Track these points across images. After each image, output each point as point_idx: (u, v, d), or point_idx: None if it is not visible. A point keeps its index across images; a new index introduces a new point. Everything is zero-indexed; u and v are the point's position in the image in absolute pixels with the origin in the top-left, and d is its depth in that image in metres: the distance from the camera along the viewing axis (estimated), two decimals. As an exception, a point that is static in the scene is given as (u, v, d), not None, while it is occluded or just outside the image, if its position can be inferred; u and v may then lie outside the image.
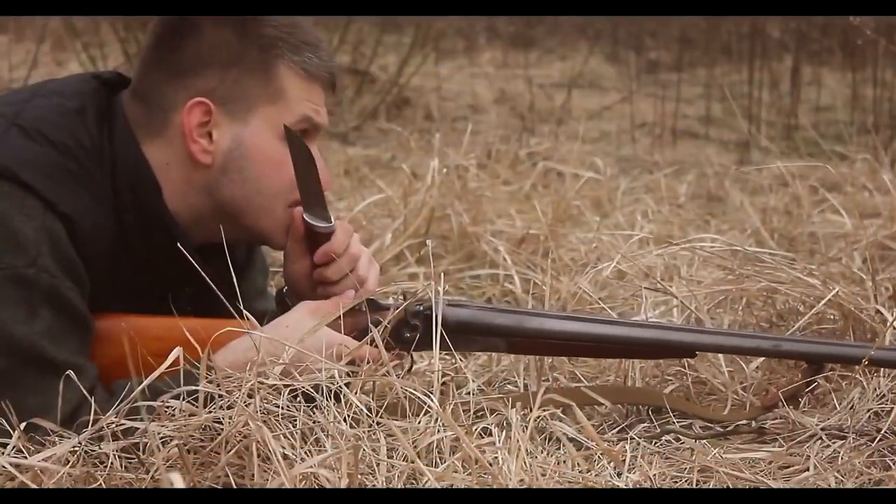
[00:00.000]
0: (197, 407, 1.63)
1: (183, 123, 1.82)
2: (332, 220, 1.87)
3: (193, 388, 1.64)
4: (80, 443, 1.62)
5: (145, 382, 1.60)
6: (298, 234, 1.87)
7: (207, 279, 1.74)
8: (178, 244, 1.78)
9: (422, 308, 1.87)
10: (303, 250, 1.89)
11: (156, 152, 1.83)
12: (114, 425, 1.62)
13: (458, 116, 5.35)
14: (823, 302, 2.22)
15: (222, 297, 1.75)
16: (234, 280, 1.76)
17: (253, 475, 1.57)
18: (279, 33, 1.84)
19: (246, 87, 1.83)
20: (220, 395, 1.65)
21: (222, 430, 1.61)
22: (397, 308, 1.87)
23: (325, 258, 1.87)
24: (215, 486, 1.60)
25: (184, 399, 1.64)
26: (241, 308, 1.75)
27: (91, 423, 1.63)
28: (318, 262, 1.88)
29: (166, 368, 1.62)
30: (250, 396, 1.64)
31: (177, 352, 1.64)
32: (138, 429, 1.61)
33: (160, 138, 1.83)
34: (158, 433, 1.59)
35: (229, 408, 1.63)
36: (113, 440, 1.62)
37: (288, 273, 1.91)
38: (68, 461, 1.60)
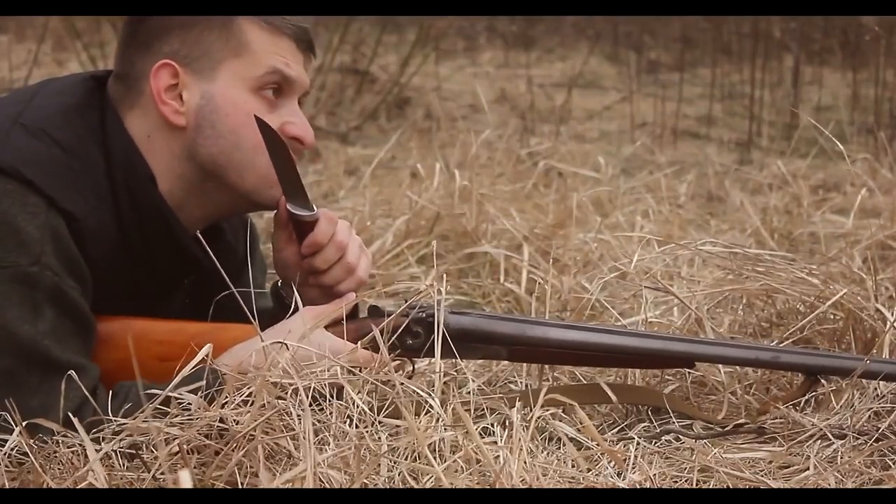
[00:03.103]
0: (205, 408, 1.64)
1: (151, 88, 1.82)
2: (315, 208, 1.87)
3: (199, 385, 1.65)
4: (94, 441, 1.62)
5: (167, 389, 1.62)
6: (281, 220, 1.88)
7: (214, 259, 1.74)
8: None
9: (423, 315, 1.88)
10: (287, 237, 1.89)
11: (135, 123, 1.83)
12: (121, 425, 1.63)
13: (458, 116, 5.35)
14: (829, 304, 2.22)
15: (227, 279, 1.75)
16: (248, 255, 1.77)
17: (256, 474, 1.58)
18: None
19: (208, 43, 1.83)
20: (227, 394, 1.65)
21: (225, 430, 1.61)
22: (399, 314, 1.87)
23: (310, 248, 1.88)
24: (215, 484, 1.60)
25: (201, 395, 1.65)
26: (241, 301, 1.75)
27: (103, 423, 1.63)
28: (305, 252, 1.88)
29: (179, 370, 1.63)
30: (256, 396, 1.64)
31: (207, 349, 1.64)
32: (139, 428, 1.61)
33: (136, 108, 1.84)
34: (165, 433, 1.60)
35: (227, 407, 1.63)
36: (115, 440, 1.63)
37: (276, 262, 1.92)
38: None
